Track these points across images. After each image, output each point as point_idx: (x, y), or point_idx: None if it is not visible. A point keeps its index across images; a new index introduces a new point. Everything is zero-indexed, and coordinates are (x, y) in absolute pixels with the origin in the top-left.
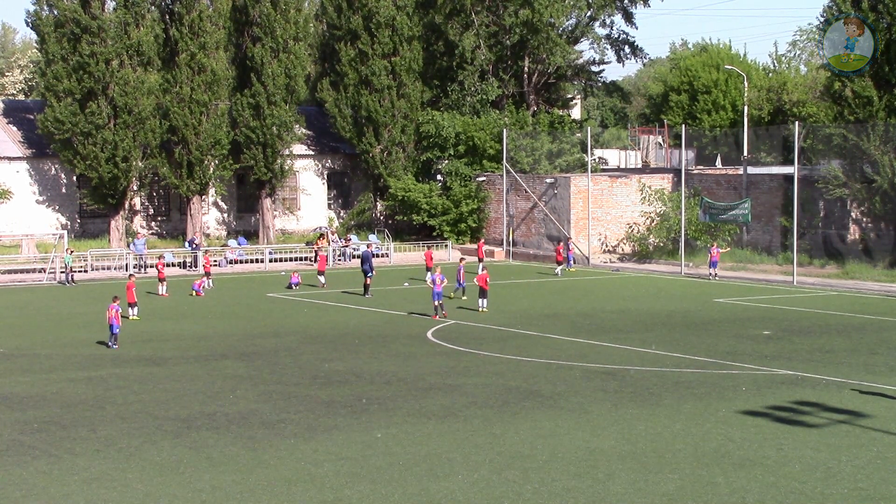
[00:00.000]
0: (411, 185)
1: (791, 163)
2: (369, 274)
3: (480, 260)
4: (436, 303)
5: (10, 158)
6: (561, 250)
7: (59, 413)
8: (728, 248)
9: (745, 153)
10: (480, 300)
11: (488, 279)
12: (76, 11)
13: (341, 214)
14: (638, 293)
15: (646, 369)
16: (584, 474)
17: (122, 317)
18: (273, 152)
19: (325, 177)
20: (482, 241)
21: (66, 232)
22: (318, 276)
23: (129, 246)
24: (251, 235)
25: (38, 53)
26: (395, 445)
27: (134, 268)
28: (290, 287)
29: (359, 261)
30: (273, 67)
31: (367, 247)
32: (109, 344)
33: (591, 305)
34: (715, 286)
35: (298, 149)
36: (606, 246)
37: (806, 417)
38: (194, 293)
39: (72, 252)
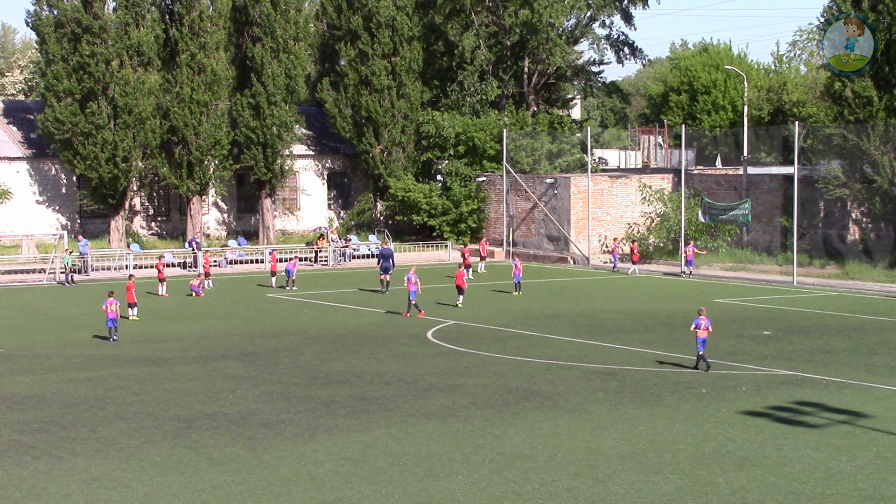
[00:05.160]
0: (411, 186)
1: (791, 163)
2: (390, 271)
3: (483, 258)
4: (412, 301)
5: (10, 158)
6: (636, 250)
7: (59, 413)
8: (705, 252)
9: (745, 153)
10: (460, 297)
11: (465, 277)
12: (77, 11)
13: (341, 215)
14: (638, 293)
15: (646, 369)
16: (584, 474)
17: (121, 317)
18: (273, 152)
19: (325, 177)
20: (483, 241)
21: (66, 232)
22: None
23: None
24: (251, 236)
25: (38, 53)
26: (395, 445)
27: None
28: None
29: (357, 260)
30: (273, 67)
31: (383, 244)
32: (111, 338)
33: (591, 305)
34: (715, 286)
35: (298, 149)
36: (606, 246)
37: (806, 417)
38: (193, 294)
39: (71, 252)
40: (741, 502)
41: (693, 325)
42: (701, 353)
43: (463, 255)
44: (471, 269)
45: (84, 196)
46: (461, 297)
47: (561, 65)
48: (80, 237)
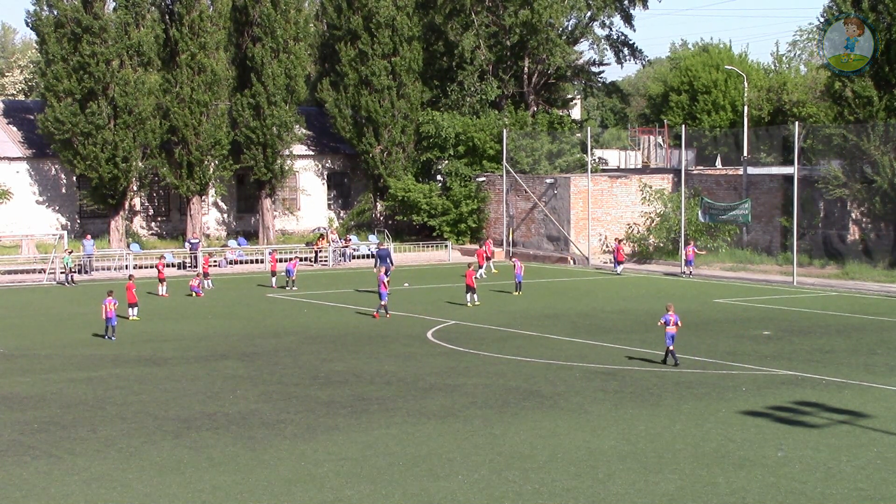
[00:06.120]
0: (411, 186)
1: (791, 163)
2: (389, 272)
3: (488, 259)
4: (382, 302)
5: (10, 158)
6: (622, 249)
7: (59, 413)
8: (705, 252)
9: (745, 153)
10: (468, 295)
11: (475, 276)
12: (77, 11)
13: (341, 215)
14: (638, 293)
15: (646, 369)
16: (584, 474)
17: (121, 317)
18: (273, 152)
19: (325, 177)
20: (488, 241)
21: (65, 232)
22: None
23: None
24: (251, 236)
25: (38, 53)
26: (395, 445)
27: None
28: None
29: (357, 260)
30: (273, 67)
31: (379, 245)
32: (108, 336)
33: (591, 305)
34: (715, 286)
35: (298, 149)
36: (606, 246)
37: (806, 417)
38: (193, 294)
39: (71, 252)
40: (741, 502)
41: (661, 321)
42: (670, 347)
43: (480, 256)
44: (483, 270)
45: (84, 196)
46: (471, 295)
47: (561, 65)
48: (88, 236)
